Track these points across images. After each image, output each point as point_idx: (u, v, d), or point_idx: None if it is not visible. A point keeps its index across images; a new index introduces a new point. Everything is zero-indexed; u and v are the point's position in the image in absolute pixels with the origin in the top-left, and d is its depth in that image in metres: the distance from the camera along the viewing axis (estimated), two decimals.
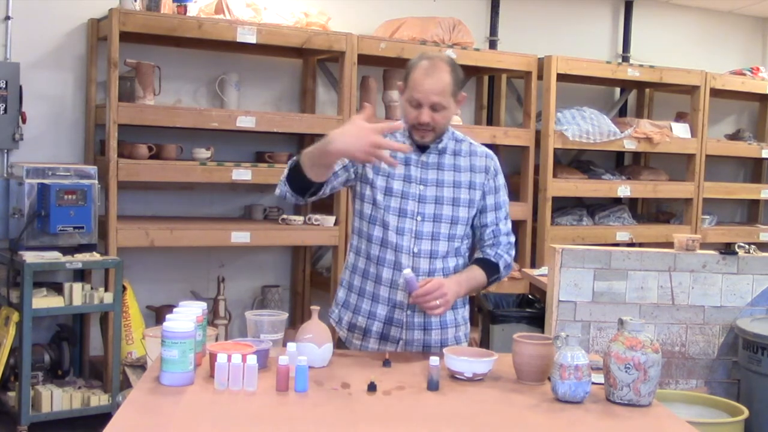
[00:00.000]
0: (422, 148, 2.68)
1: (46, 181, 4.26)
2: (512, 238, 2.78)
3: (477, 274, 2.69)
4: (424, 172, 2.67)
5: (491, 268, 2.72)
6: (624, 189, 6.01)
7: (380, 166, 2.64)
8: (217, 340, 2.66)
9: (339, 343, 2.73)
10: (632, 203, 6.65)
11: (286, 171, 2.60)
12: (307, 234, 4.96)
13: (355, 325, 2.72)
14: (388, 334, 2.69)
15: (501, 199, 2.76)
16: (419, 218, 2.65)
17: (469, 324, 2.83)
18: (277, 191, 2.64)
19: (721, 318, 3.94)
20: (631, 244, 5.85)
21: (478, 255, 2.76)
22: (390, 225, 2.64)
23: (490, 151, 2.79)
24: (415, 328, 2.68)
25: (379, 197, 2.65)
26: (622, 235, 6.01)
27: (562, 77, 5.75)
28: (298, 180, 2.54)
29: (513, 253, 2.78)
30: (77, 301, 4.25)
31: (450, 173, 2.69)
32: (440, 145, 2.69)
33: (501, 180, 2.77)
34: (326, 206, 5.07)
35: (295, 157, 2.61)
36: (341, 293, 2.78)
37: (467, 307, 2.82)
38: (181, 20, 4.58)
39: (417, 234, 2.64)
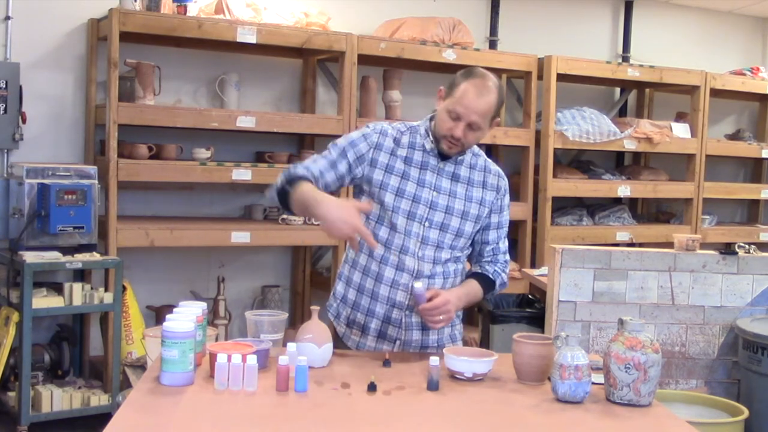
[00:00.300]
0: (441, 155, 2.67)
1: (46, 181, 4.26)
2: (508, 257, 2.83)
3: (476, 289, 2.73)
4: (439, 179, 2.66)
5: (488, 285, 2.76)
6: (624, 189, 6.01)
7: (394, 165, 2.64)
8: (217, 340, 2.66)
9: (336, 338, 2.72)
10: (632, 203, 6.65)
11: (279, 181, 2.58)
12: (307, 234, 4.96)
13: (354, 320, 2.72)
14: (386, 332, 2.69)
15: (504, 219, 2.78)
16: (427, 224, 2.64)
17: (462, 322, 2.86)
18: (267, 195, 2.64)
19: (721, 318, 3.95)
20: (631, 244, 5.85)
21: (476, 269, 2.78)
22: (398, 227, 2.63)
23: (502, 171, 2.81)
24: (413, 329, 2.69)
25: (389, 199, 2.62)
26: (622, 235, 6.01)
27: (562, 77, 5.75)
28: (285, 200, 2.56)
29: (508, 271, 2.83)
30: (77, 301, 4.25)
31: (463, 186, 2.69)
32: (459, 156, 2.69)
33: (507, 200, 2.80)
34: None
35: (289, 173, 2.57)
36: (340, 287, 2.78)
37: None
38: (181, 20, 4.58)
39: (423, 239, 2.64)
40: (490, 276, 2.76)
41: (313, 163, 2.63)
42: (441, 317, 2.56)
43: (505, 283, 2.82)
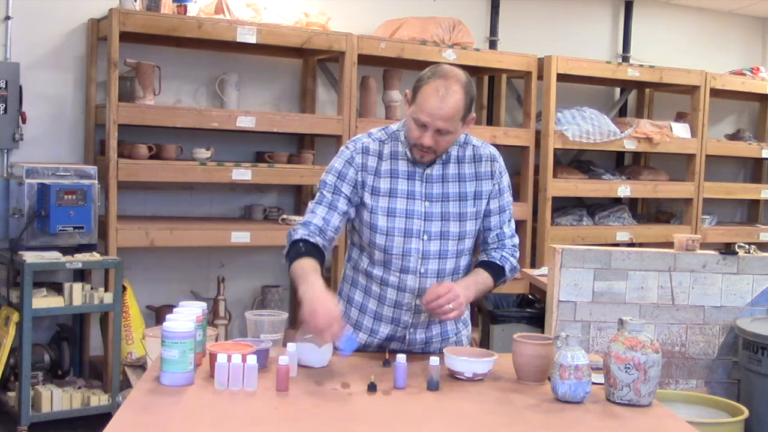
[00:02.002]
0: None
1: (46, 181, 4.26)
2: (516, 240, 2.69)
3: (484, 278, 2.58)
4: (428, 186, 2.54)
5: (497, 272, 2.60)
6: (624, 189, 6.01)
7: (380, 186, 2.53)
8: (217, 340, 2.66)
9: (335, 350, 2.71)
10: (632, 203, 6.65)
11: (287, 244, 2.54)
12: None
13: None
14: (388, 347, 2.61)
15: (505, 201, 2.64)
16: (426, 237, 2.52)
17: (470, 326, 2.78)
18: (284, 262, 2.58)
19: (721, 318, 3.94)
20: (631, 244, 5.85)
21: (482, 258, 2.63)
22: (394, 249, 2.52)
23: (494, 152, 2.64)
24: (417, 343, 2.64)
25: (381, 222, 2.52)
26: (622, 235, 6.01)
27: (562, 77, 5.75)
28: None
29: (518, 255, 2.68)
30: (77, 301, 4.25)
31: (455, 185, 2.56)
32: (444, 156, 2.54)
33: (505, 181, 2.64)
34: None
35: (290, 237, 2.52)
36: (341, 305, 2.65)
37: (468, 307, 2.76)
38: (181, 20, 4.58)
39: (424, 254, 2.53)
40: (498, 262, 2.60)
41: (313, 215, 2.52)
42: (450, 306, 2.38)
43: (516, 267, 2.66)
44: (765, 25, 7.37)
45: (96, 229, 4.39)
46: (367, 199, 2.54)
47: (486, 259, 2.63)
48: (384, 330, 2.61)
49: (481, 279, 2.58)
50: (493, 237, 2.64)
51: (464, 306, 2.46)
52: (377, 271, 2.58)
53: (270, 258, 5.42)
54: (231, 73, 5.03)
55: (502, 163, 2.66)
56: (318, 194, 2.58)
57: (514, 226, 2.70)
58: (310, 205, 2.58)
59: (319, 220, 2.52)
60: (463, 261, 2.61)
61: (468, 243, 2.60)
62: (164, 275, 5.05)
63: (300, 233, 2.51)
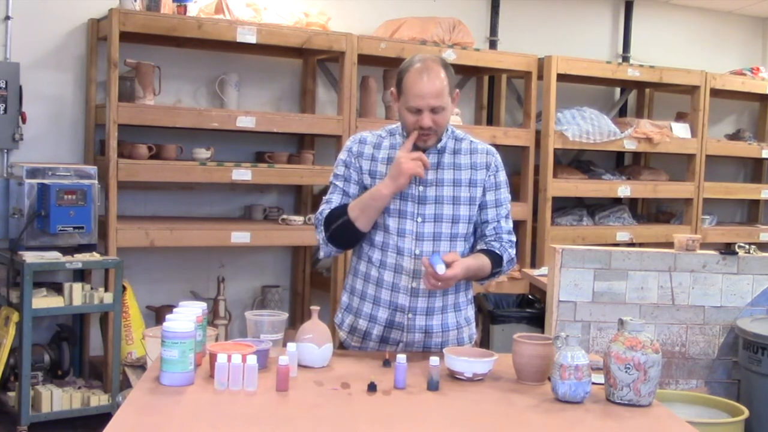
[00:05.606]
0: (422, 149, 2.63)
1: (46, 181, 4.25)
2: (513, 238, 2.74)
3: (482, 261, 2.63)
4: (424, 172, 2.62)
5: (496, 259, 2.66)
6: (624, 189, 6.01)
7: (376, 169, 2.65)
8: (217, 340, 2.66)
9: (339, 345, 2.73)
10: (632, 203, 6.65)
11: (323, 233, 2.64)
12: (307, 234, 4.96)
13: (356, 328, 2.70)
14: (389, 337, 2.67)
15: (502, 197, 2.71)
16: (419, 219, 2.62)
17: (474, 324, 2.80)
18: (322, 254, 2.71)
19: (721, 318, 3.95)
20: (631, 244, 5.85)
21: (481, 246, 2.69)
22: (390, 228, 2.62)
23: (491, 148, 2.74)
24: (416, 332, 2.66)
25: None
26: (622, 235, 6.01)
27: (562, 77, 5.75)
28: (347, 236, 2.62)
29: (515, 251, 2.74)
30: (77, 301, 4.25)
31: (450, 171, 2.65)
32: (439, 145, 2.65)
33: (502, 177, 2.72)
34: None
35: (325, 219, 2.64)
36: (345, 297, 2.77)
37: (471, 306, 2.79)
38: (181, 20, 4.58)
39: (418, 236, 2.61)
40: (497, 251, 2.66)
41: (329, 204, 2.66)
42: (439, 283, 2.49)
43: (513, 259, 2.72)
44: (765, 25, 7.37)
45: (96, 229, 4.39)
46: (366, 181, 2.66)
47: (485, 247, 2.68)
48: (383, 315, 2.65)
49: (479, 262, 2.63)
50: (490, 230, 2.70)
51: (445, 287, 2.55)
52: (376, 255, 2.65)
53: (270, 258, 5.42)
54: (231, 73, 5.03)
55: (500, 160, 2.74)
56: (330, 187, 2.71)
57: (511, 225, 2.76)
58: (325, 197, 2.71)
59: (339, 204, 2.65)
60: (459, 247, 2.66)
61: (462, 228, 2.66)
62: (164, 275, 5.05)
63: (326, 211, 2.65)
